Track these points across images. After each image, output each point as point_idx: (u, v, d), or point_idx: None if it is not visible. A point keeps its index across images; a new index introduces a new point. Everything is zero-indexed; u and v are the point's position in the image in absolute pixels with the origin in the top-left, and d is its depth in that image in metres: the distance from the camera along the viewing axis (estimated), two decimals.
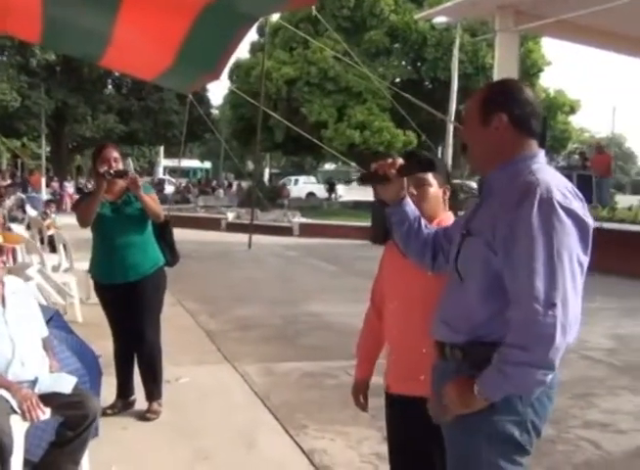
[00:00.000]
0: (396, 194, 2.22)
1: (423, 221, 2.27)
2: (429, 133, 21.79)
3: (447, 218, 2.51)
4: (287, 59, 26.32)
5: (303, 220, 20.66)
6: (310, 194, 39.90)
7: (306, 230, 19.40)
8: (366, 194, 37.35)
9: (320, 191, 41.63)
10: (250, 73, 26.85)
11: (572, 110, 28.65)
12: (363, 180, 2.40)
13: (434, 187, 2.49)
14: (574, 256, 1.80)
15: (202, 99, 30.78)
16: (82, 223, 4.35)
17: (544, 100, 27.27)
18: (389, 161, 2.18)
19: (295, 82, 25.94)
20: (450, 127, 20.96)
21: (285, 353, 6.22)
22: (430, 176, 2.45)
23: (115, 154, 4.34)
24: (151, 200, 4.35)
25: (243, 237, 15.80)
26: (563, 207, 1.80)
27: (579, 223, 1.82)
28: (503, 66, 16.31)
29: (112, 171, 4.23)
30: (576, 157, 18.83)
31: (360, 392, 2.78)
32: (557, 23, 15.31)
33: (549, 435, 3.93)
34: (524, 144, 1.96)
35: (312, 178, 46.50)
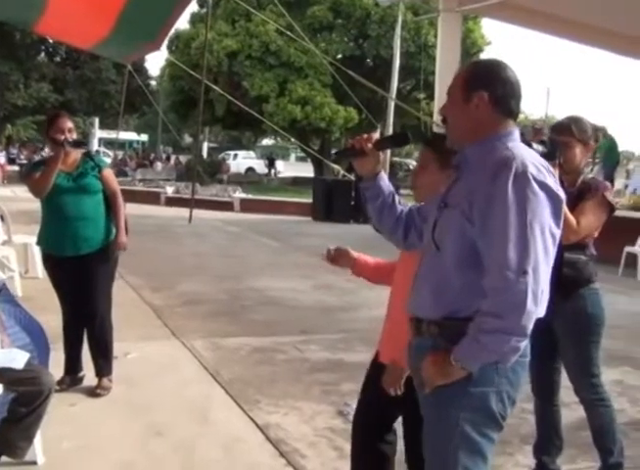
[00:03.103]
0: (372, 168, 2.27)
1: (397, 198, 2.32)
2: (370, 110, 21.87)
3: None
4: (228, 31, 25.93)
5: (244, 196, 20.53)
6: (250, 169, 39.73)
7: (247, 205, 19.30)
8: (305, 170, 37.44)
9: (259, 166, 41.49)
10: (189, 45, 26.38)
11: None
12: (340, 154, 2.42)
13: (432, 171, 2.43)
14: (547, 227, 1.88)
15: (140, 69, 30.05)
16: (37, 194, 4.22)
17: None
18: (365, 135, 2.25)
19: (236, 55, 25.61)
20: (391, 105, 21.01)
21: (232, 329, 6.20)
22: (427, 160, 2.44)
23: (70, 124, 4.24)
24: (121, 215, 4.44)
25: (183, 211, 15.62)
26: (537, 180, 1.88)
27: (552, 197, 1.91)
28: (445, 45, 16.40)
29: (70, 141, 4.14)
30: None
31: (342, 250, 2.79)
32: (499, 4, 15.50)
33: None
34: (501, 122, 2.04)
35: (252, 153, 46.28)
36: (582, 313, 3.10)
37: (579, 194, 3.07)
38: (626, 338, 6.40)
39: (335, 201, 16.86)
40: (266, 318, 6.68)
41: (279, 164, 45.17)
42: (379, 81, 20.83)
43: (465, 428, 1.97)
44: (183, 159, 36.96)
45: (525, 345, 1.90)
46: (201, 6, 27.77)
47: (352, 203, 16.76)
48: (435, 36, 22.49)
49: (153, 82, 39.31)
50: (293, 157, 70.33)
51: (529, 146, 2.29)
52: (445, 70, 16.40)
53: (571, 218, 2.94)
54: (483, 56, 27.62)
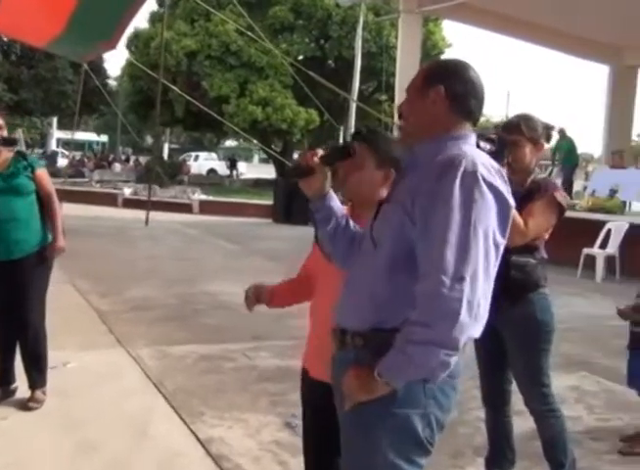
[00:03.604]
0: (320, 187, 2.05)
1: (351, 220, 2.11)
2: (331, 112, 21.73)
3: None
4: (188, 31, 25.58)
5: (203, 197, 20.22)
6: (211, 171, 39.33)
7: (206, 208, 19.01)
8: (268, 171, 37.19)
9: (221, 168, 41.14)
10: (149, 44, 25.96)
11: None
12: (289, 176, 2.24)
13: (367, 170, 2.25)
14: (491, 233, 1.72)
15: (98, 69, 29.54)
16: None
17: None
18: (311, 152, 2.05)
19: (195, 55, 25.26)
20: (353, 107, 20.89)
21: (181, 335, 5.97)
22: (359, 159, 2.21)
23: (0, 121, 3.98)
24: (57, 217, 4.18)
25: (140, 213, 15.29)
26: (486, 181, 1.73)
27: (501, 201, 1.75)
28: (406, 46, 16.42)
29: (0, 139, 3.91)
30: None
31: (253, 289, 2.61)
32: (458, 5, 15.53)
33: (451, 417, 3.89)
34: (457, 123, 1.89)
35: (213, 155, 45.85)
36: (531, 319, 2.95)
37: (528, 194, 2.93)
38: (583, 341, 6.33)
39: (295, 202, 16.68)
40: (217, 324, 6.46)
41: (242, 165, 44.79)
42: (340, 83, 20.71)
43: (388, 453, 1.79)
44: (143, 160, 36.44)
45: (454, 361, 1.70)
46: (160, 5, 27.34)
47: None
48: (397, 37, 22.52)
49: (111, 82, 38.78)
50: (256, 158, 70.00)
51: (477, 144, 2.15)
52: (405, 71, 16.44)
53: (519, 220, 2.80)
54: (445, 57, 27.72)
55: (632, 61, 17.39)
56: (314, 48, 26.27)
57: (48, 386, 4.28)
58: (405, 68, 16.38)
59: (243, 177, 38.28)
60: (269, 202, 18.39)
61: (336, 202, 2.08)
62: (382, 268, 1.83)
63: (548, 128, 3.03)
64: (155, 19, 27.92)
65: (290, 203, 16.69)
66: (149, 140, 47.64)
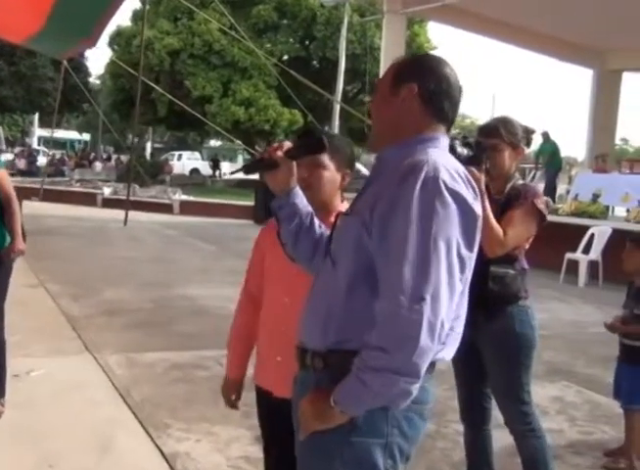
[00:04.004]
0: (285, 183, 1.88)
1: (316, 220, 1.94)
2: (315, 113, 21.59)
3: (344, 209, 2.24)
4: (170, 29, 25.35)
5: (184, 198, 19.98)
6: (194, 170, 39.07)
7: (187, 208, 18.78)
8: None
9: (204, 168, 40.84)
10: (131, 43, 25.72)
11: None
12: (249, 170, 2.06)
13: (330, 170, 2.20)
14: (454, 246, 1.56)
15: (79, 67, 29.22)
16: None
17: None
18: (276, 144, 1.88)
19: (178, 54, 25.03)
20: (337, 108, 20.78)
21: (153, 342, 5.77)
22: (325, 158, 2.15)
23: None
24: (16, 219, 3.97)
25: (119, 213, 15.07)
26: (449, 188, 1.56)
27: (465, 211, 1.58)
28: (390, 47, 16.31)
29: None
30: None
31: (233, 392, 2.47)
32: (442, 7, 15.44)
33: (428, 429, 3.73)
34: (428, 124, 1.72)
35: (196, 154, 45.54)
36: (510, 334, 2.78)
37: (507, 202, 2.77)
38: (565, 349, 6.21)
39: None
40: (192, 330, 6.27)
41: (225, 165, 44.52)
42: (325, 83, 20.59)
43: None
44: (125, 159, 36.09)
45: (417, 388, 1.54)
46: (142, 3, 27.06)
47: None
48: (381, 39, 22.42)
49: (94, 80, 38.42)
50: (240, 158, 69.68)
51: (453, 148, 1.98)
52: None
53: (498, 229, 2.64)
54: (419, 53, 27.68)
55: (616, 65, 17.38)
56: (298, 48, 26.11)
57: (8, 396, 4.07)
58: None
59: (226, 177, 38.06)
60: (251, 203, 18.19)
61: (301, 199, 1.92)
62: (341, 287, 1.67)
63: (528, 132, 2.87)
64: (137, 17, 27.65)
65: (269, 203, 16.48)
66: (130, 139, 47.22)
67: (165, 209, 18.68)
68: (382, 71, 16.67)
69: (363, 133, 18.63)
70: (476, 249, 1.63)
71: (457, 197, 1.57)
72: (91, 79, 38.43)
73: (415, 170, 1.57)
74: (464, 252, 1.58)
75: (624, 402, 3.78)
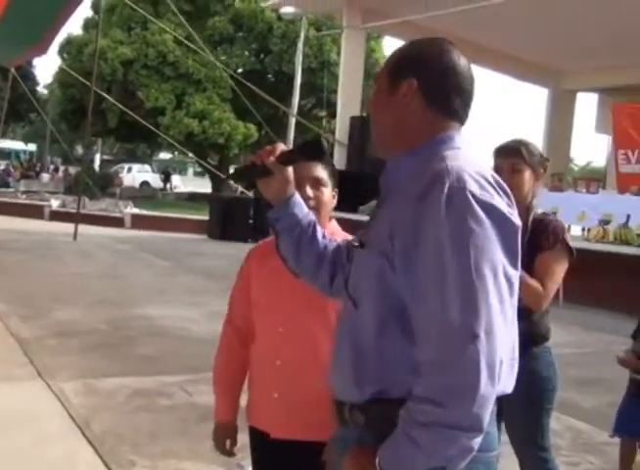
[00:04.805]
0: (281, 191, 1.64)
1: (319, 228, 1.69)
2: (271, 127, 21.38)
3: (336, 230, 2.01)
4: (124, 39, 24.83)
5: (136, 211, 19.46)
6: (144, 183, 38.44)
7: (139, 222, 18.27)
8: (203, 185, 36.47)
9: (155, 180, 40.26)
10: (82, 51, 25.11)
11: None
12: (237, 176, 1.79)
13: (329, 189, 2.02)
14: (500, 268, 1.32)
15: (27, 75, 28.43)
16: None
17: None
18: (269, 147, 1.62)
19: (131, 64, 24.52)
20: (292, 122, 20.58)
21: (111, 366, 5.39)
22: (325, 174, 1.97)
23: None
24: None
25: (68, 227, 14.51)
26: (479, 200, 1.31)
27: (503, 224, 1.34)
28: (349, 62, 16.24)
29: None
30: None
31: (226, 437, 2.20)
32: (402, 23, 15.43)
33: None
34: (437, 124, 1.46)
35: (147, 167, 44.78)
36: (535, 376, 2.57)
37: (534, 238, 2.55)
38: None
39: (232, 219, 16.17)
40: (151, 352, 5.90)
41: (176, 178, 43.97)
42: (280, 97, 20.40)
43: None
44: (73, 170, 35.24)
45: (479, 441, 1.28)
46: (95, 12, 26.49)
47: (251, 221, 16.15)
48: (338, 53, 22.34)
49: (43, 90, 37.52)
50: (190, 171, 68.98)
51: None
52: (348, 87, 16.25)
53: (534, 286, 2.45)
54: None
55: (571, 85, 17.65)
56: (254, 61, 25.86)
57: None
58: (348, 84, 16.20)
59: (177, 191, 37.52)
60: (204, 217, 17.82)
61: (301, 207, 1.67)
62: (369, 331, 1.43)
63: (543, 158, 2.70)
64: (88, 25, 27.07)
65: (227, 219, 16.18)
66: (79, 150, 46.24)
67: (116, 222, 18.14)
68: (340, 86, 16.58)
69: None
70: (519, 264, 1.39)
71: (491, 209, 1.32)
72: (39, 88, 37.49)
73: (436, 184, 1.32)
74: (510, 271, 1.35)
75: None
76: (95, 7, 25.85)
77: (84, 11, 28.33)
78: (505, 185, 1.40)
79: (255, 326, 2.12)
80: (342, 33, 16.49)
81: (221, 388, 2.20)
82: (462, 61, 1.48)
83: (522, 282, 1.92)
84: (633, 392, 3.52)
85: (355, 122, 15.08)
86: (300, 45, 20.62)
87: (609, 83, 17.21)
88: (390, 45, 33.62)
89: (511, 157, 2.59)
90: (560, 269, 2.56)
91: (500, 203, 1.35)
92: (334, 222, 2.09)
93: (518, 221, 1.38)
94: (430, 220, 1.30)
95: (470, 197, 1.30)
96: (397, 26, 15.95)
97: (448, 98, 1.46)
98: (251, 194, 18.93)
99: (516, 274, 1.37)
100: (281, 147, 1.61)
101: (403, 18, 14.85)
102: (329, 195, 2.01)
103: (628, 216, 9.80)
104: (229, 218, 16.16)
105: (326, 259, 1.67)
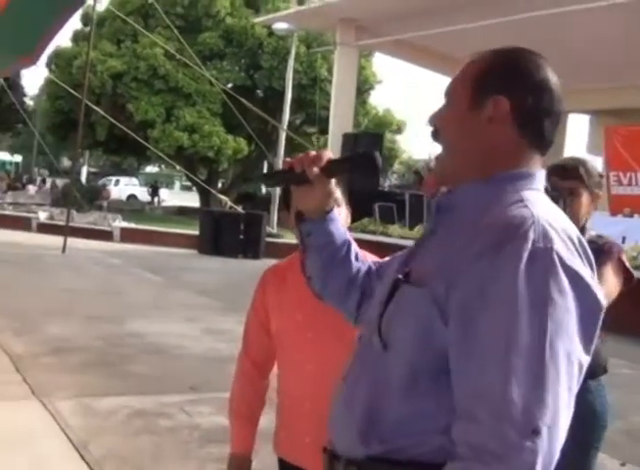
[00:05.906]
0: (320, 204, 1.43)
1: (354, 248, 1.50)
2: (260, 142, 21.33)
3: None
4: (114, 51, 24.72)
5: (125, 225, 19.26)
6: (132, 196, 38.26)
7: (128, 235, 18.07)
8: (190, 199, 36.21)
9: (142, 194, 40.10)
10: (71, 64, 24.95)
11: (399, 129, 29.46)
12: (270, 180, 1.64)
13: (343, 208, 1.88)
14: (576, 352, 1.10)
15: (15, 86, 28.23)
16: None
17: (374, 117, 27.80)
18: (313, 153, 1.38)
19: (121, 77, 24.40)
20: (282, 137, 20.54)
21: (109, 385, 5.25)
22: (338, 192, 1.70)
23: None
24: None
25: (56, 240, 14.33)
26: (566, 265, 1.10)
27: (587, 298, 1.12)
28: (342, 79, 16.22)
29: None
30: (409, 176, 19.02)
31: None
32: (396, 41, 15.47)
33: None
34: (522, 155, 1.24)
35: (134, 180, 44.68)
36: (589, 412, 2.35)
37: None
38: None
39: (222, 234, 16.05)
40: (149, 371, 5.77)
41: (163, 192, 43.78)
42: (270, 113, 20.38)
43: None
44: (60, 183, 34.95)
45: None
46: (85, 24, 26.38)
47: (241, 237, 16.05)
48: (328, 70, 22.38)
49: (29, 100, 37.28)
50: (177, 185, 68.76)
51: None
52: (340, 104, 16.23)
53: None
54: (374, 94, 27.86)
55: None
56: (244, 77, 25.80)
57: None
58: (340, 101, 16.19)
59: (164, 204, 37.32)
60: (194, 231, 17.67)
61: (337, 225, 1.47)
62: (395, 380, 1.22)
63: (601, 176, 2.52)
64: (78, 37, 26.90)
65: (217, 234, 16.06)
66: (66, 162, 45.93)
67: (105, 236, 17.93)
68: (333, 103, 16.53)
69: None
70: (592, 350, 1.15)
71: (576, 278, 1.11)
72: (26, 100, 37.24)
73: (516, 236, 1.10)
74: (583, 358, 1.12)
75: None
76: (85, 19, 25.76)
77: (74, 23, 28.23)
78: (589, 250, 1.19)
79: (277, 360, 2.01)
80: (336, 50, 16.49)
81: (239, 421, 2.08)
82: (554, 77, 1.27)
83: None
84: None
85: (348, 140, 15.04)
86: (291, 61, 20.64)
87: (600, 105, 17.35)
88: (381, 63, 33.69)
89: (569, 179, 2.39)
90: (612, 280, 2.33)
91: (585, 271, 1.14)
92: None
93: (604, 300, 1.16)
94: (504, 279, 1.09)
95: (556, 261, 1.09)
96: (391, 44, 16.00)
97: (541, 122, 1.24)
98: (240, 209, 18.83)
99: (587, 360, 1.13)
100: (327, 156, 1.38)
101: (397, 36, 14.89)
102: (344, 215, 1.85)
103: (624, 238, 9.78)
104: (219, 233, 16.04)
105: (356, 284, 1.48)
